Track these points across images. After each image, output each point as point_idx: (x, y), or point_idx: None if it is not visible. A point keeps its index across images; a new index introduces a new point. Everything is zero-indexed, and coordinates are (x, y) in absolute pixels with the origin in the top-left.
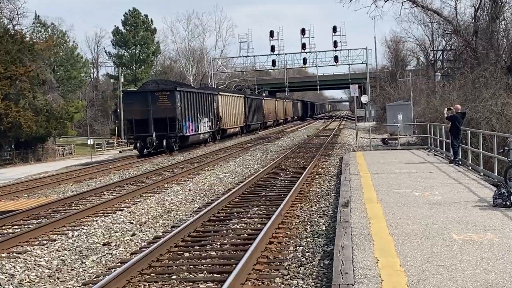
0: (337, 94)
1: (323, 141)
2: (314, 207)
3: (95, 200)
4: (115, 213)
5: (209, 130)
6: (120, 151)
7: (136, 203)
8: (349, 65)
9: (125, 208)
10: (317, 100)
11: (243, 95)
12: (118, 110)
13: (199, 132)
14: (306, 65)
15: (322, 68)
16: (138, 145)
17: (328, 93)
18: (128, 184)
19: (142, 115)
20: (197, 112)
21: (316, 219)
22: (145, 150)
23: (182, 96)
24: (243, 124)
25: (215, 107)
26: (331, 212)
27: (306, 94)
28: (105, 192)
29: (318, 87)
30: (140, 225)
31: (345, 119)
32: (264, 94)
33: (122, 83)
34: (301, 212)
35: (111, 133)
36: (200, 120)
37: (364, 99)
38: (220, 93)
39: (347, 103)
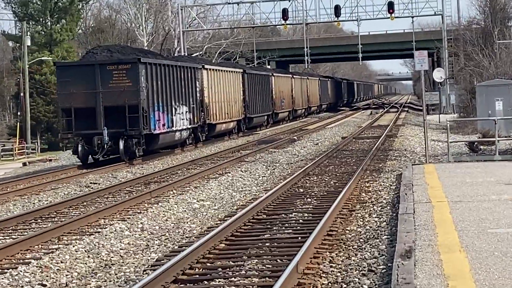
0: (393, 67)
1: (369, 146)
2: (353, 258)
3: None
4: (16, 268)
5: (189, 126)
6: (25, 163)
7: (52, 252)
8: (412, 17)
9: (32, 261)
10: (358, 77)
11: (241, 70)
12: (22, 94)
13: (173, 128)
14: (340, 18)
15: (368, 23)
16: (79, 148)
17: (378, 66)
18: (36, 220)
19: (87, 102)
20: (170, 98)
21: (356, 280)
22: (90, 156)
23: (149, 72)
24: (240, 116)
25: (197, 89)
26: (381, 266)
27: (339, 67)
28: None
29: (360, 55)
30: None
31: (406, 108)
32: (269, 67)
33: (31, 48)
34: (331, 267)
35: (9, 132)
36: (176, 110)
37: (439, 75)
38: (206, 66)
39: (410, 82)
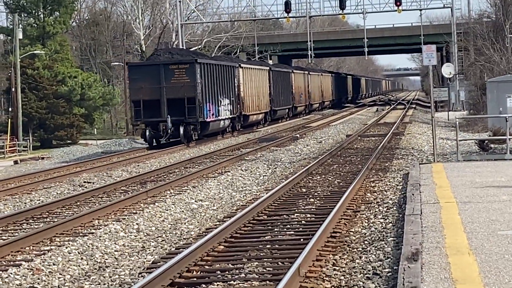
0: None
1: (375, 145)
2: (357, 261)
3: None
4: (6, 270)
5: (229, 116)
6: (16, 161)
7: (44, 253)
8: (420, 10)
9: (23, 262)
10: (363, 72)
11: (267, 68)
12: (14, 89)
13: (219, 117)
14: (345, 11)
15: (374, 16)
16: (147, 133)
17: (384, 61)
18: (27, 221)
19: (153, 95)
20: (217, 92)
21: (361, 284)
22: (154, 141)
23: (203, 70)
24: (267, 109)
25: (236, 84)
26: (387, 269)
27: (344, 62)
28: None
29: (366, 49)
30: None
31: (413, 105)
32: (271, 62)
33: (22, 41)
34: (334, 270)
35: (0, 129)
36: (221, 102)
37: (448, 71)
38: (242, 65)
39: (417, 77)
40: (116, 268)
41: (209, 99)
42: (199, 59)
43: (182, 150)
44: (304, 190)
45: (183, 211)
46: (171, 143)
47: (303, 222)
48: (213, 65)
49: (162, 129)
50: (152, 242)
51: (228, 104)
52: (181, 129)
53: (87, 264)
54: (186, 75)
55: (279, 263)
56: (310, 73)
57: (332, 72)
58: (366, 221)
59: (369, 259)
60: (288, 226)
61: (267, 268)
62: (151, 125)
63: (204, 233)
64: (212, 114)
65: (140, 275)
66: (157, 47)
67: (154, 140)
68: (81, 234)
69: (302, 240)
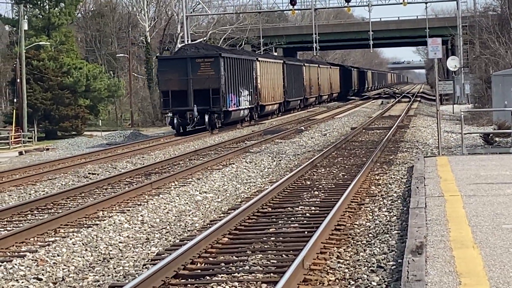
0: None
1: (379, 137)
2: (361, 254)
3: None
4: (11, 261)
5: (248, 106)
6: (21, 152)
7: (48, 245)
8: (426, 3)
9: (28, 253)
10: (368, 65)
11: (282, 61)
12: (19, 80)
13: (240, 107)
14: (350, 4)
15: (379, 8)
16: (175, 121)
17: (390, 54)
18: (32, 212)
19: (181, 86)
20: (238, 84)
21: (365, 277)
22: (181, 128)
23: (226, 64)
24: (281, 100)
25: (254, 77)
26: (391, 262)
27: (349, 55)
28: None
29: (371, 42)
30: (54, 284)
31: (418, 98)
32: (276, 54)
33: (28, 32)
34: (338, 263)
35: (5, 120)
36: (241, 93)
37: (453, 64)
38: (259, 58)
39: (422, 70)
40: (121, 260)
41: (231, 90)
42: (223, 54)
43: (207, 136)
44: (308, 182)
45: (187, 203)
46: (196, 130)
47: (307, 214)
48: (235, 59)
49: (189, 117)
50: (157, 233)
51: (247, 95)
52: (206, 117)
53: (92, 256)
54: (211, 68)
55: (283, 255)
56: (320, 66)
57: (339, 65)
58: (371, 214)
59: (374, 252)
60: (293, 218)
61: (271, 261)
62: (179, 113)
63: (208, 225)
64: (234, 104)
65: (144, 267)
66: (162, 39)
67: (181, 127)
68: (85, 225)
69: (306, 232)
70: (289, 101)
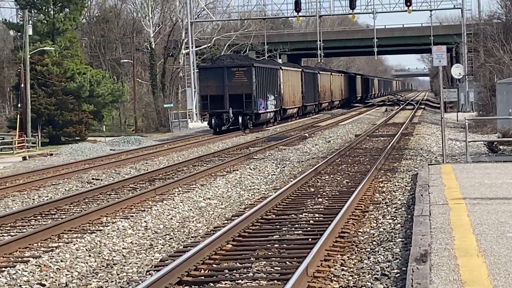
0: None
1: (383, 145)
2: (365, 261)
3: None
4: (14, 267)
5: (274, 109)
6: (25, 157)
7: (52, 250)
8: (431, 11)
9: (31, 259)
10: (373, 72)
11: (300, 69)
12: (23, 86)
13: (267, 110)
14: (355, 11)
15: (384, 16)
16: (212, 121)
17: (394, 61)
18: (35, 217)
19: (218, 91)
20: (266, 89)
21: (369, 285)
22: (217, 128)
23: (257, 72)
24: (300, 104)
25: (278, 83)
26: (395, 271)
27: (353, 62)
28: None
29: (375, 49)
30: None
31: (422, 106)
32: (280, 61)
33: (32, 37)
34: (342, 270)
35: (9, 125)
36: (268, 98)
37: (457, 71)
38: (282, 67)
39: (427, 78)
40: (124, 266)
41: (261, 95)
42: (255, 64)
43: (240, 135)
44: (312, 189)
45: (191, 209)
46: (231, 130)
47: (311, 221)
48: (264, 68)
49: (225, 119)
50: (160, 240)
51: (273, 99)
52: (240, 119)
53: (95, 261)
54: (244, 76)
55: (287, 262)
56: (332, 73)
57: (345, 72)
58: (375, 221)
59: (378, 260)
60: (296, 225)
61: (275, 268)
62: (216, 115)
63: (212, 232)
64: (263, 107)
65: (147, 273)
66: (167, 45)
67: (217, 127)
68: (89, 231)
69: (310, 239)
70: (306, 105)
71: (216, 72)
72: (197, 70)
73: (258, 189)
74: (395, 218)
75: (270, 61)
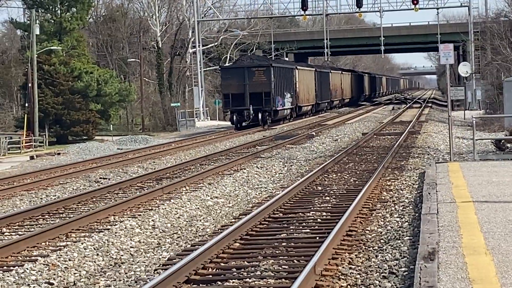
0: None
1: (391, 143)
2: (373, 260)
3: None
4: (22, 265)
5: (291, 106)
6: (32, 157)
7: (60, 249)
8: (437, 9)
9: (39, 258)
10: (380, 70)
11: (314, 69)
12: (30, 85)
13: (284, 107)
14: (362, 9)
15: (390, 14)
16: (234, 118)
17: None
18: (43, 216)
19: (239, 89)
20: (283, 88)
21: (377, 283)
22: (239, 124)
23: (275, 72)
24: (314, 102)
25: (294, 82)
26: (403, 269)
27: (360, 60)
28: (4, 229)
29: (382, 47)
30: None
31: (429, 104)
32: (287, 59)
33: (39, 37)
34: (350, 269)
35: (16, 125)
36: (285, 96)
37: (464, 70)
38: (298, 67)
39: (433, 76)
40: (132, 265)
41: (278, 93)
42: (273, 64)
43: (260, 131)
44: (320, 188)
45: (198, 208)
46: (251, 126)
47: (318, 220)
48: (281, 68)
49: (246, 115)
50: (168, 238)
51: (289, 97)
52: (260, 115)
53: (103, 260)
54: (263, 75)
55: (295, 261)
56: (343, 72)
57: (354, 71)
58: (382, 219)
59: (385, 258)
60: (304, 224)
61: (283, 266)
62: (237, 112)
63: (219, 230)
64: (280, 104)
65: (155, 272)
66: (173, 44)
67: (238, 123)
68: (96, 230)
69: (318, 238)
70: (319, 103)
71: (237, 72)
72: (220, 70)
73: (266, 187)
74: (402, 216)
75: (286, 61)
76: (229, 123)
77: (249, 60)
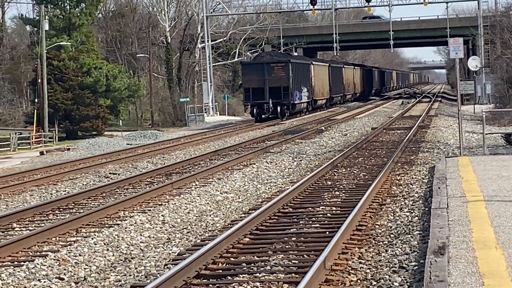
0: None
1: (400, 138)
2: (383, 254)
3: None
4: (33, 261)
5: (307, 100)
6: (42, 152)
7: (70, 244)
8: (447, 3)
9: (50, 253)
10: (389, 65)
11: (328, 64)
12: (40, 81)
13: (301, 101)
14: (371, 4)
15: (400, 8)
16: (254, 111)
17: (410, 53)
18: (53, 212)
19: (259, 84)
20: (300, 82)
21: (387, 277)
22: (258, 116)
23: (293, 67)
24: (328, 96)
25: (310, 77)
26: (413, 263)
27: (369, 55)
28: (14, 224)
29: (391, 42)
30: (76, 284)
31: (439, 98)
32: (296, 54)
33: (49, 32)
34: (360, 263)
35: (26, 120)
36: (302, 90)
37: (474, 64)
38: (313, 62)
39: (443, 70)
40: (142, 260)
41: (296, 87)
42: (291, 60)
43: (278, 123)
44: (329, 182)
45: (208, 203)
46: (270, 118)
47: (328, 215)
48: (298, 63)
49: (266, 108)
50: (178, 233)
51: (306, 91)
52: (279, 108)
53: (113, 255)
54: (282, 70)
55: (305, 255)
56: (355, 67)
57: (364, 66)
58: (392, 214)
59: (395, 253)
60: (314, 219)
61: (293, 261)
62: (257, 105)
63: (229, 225)
64: (298, 98)
65: (165, 267)
66: (182, 39)
67: (258, 116)
68: (107, 225)
69: (327, 233)
70: (333, 97)
71: (258, 68)
72: (241, 66)
73: (275, 182)
74: (412, 211)
75: (303, 57)
76: (238, 118)
77: (268, 56)
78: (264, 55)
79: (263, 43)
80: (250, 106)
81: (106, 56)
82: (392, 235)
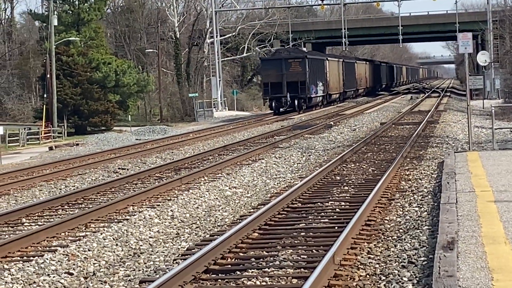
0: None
1: (409, 133)
2: (392, 249)
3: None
4: (42, 256)
5: (322, 94)
6: (51, 147)
7: (79, 239)
8: None
9: (59, 248)
10: (398, 60)
11: (341, 59)
12: (49, 76)
13: (317, 95)
14: None
15: (408, 3)
16: (273, 104)
17: (419, 48)
18: (63, 207)
19: (277, 79)
20: (316, 77)
21: (396, 272)
22: (277, 109)
23: (309, 63)
24: (341, 90)
25: (325, 72)
26: (422, 258)
27: (378, 50)
28: (24, 220)
29: (400, 37)
30: (85, 279)
31: (448, 93)
32: (305, 49)
33: (57, 28)
34: (369, 258)
35: (35, 115)
36: (318, 84)
37: (483, 59)
38: (328, 58)
39: (452, 65)
40: (151, 255)
41: (312, 82)
42: (308, 55)
43: (296, 115)
44: (338, 178)
45: (217, 198)
46: (288, 111)
47: (337, 210)
48: (314, 59)
49: (283, 102)
50: (187, 228)
51: (321, 85)
52: (296, 102)
53: (122, 250)
54: (299, 66)
55: (314, 250)
56: (367, 62)
57: (374, 61)
58: (401, 209)
59: (404, 248)
60: (323, 214)
61: (302, 256)
62: (275, 99)
63: (238, 220)
64: (314, 92)
65: (174, 262)
66: (191, 34)
67: (277, 109)
68: (116, 220)
69: (336, 228)
70: (346, 91)
71: (276, 63)
72: (260, 61)
73: (284, 177)
74: (421, 206)
75: (318, 53)
76: (246, 113)
77: (286, 52)
78: (281, 51)
79: (272, 38)
80: (268, 100)
81: (115, 51)
82: (401, 230)
